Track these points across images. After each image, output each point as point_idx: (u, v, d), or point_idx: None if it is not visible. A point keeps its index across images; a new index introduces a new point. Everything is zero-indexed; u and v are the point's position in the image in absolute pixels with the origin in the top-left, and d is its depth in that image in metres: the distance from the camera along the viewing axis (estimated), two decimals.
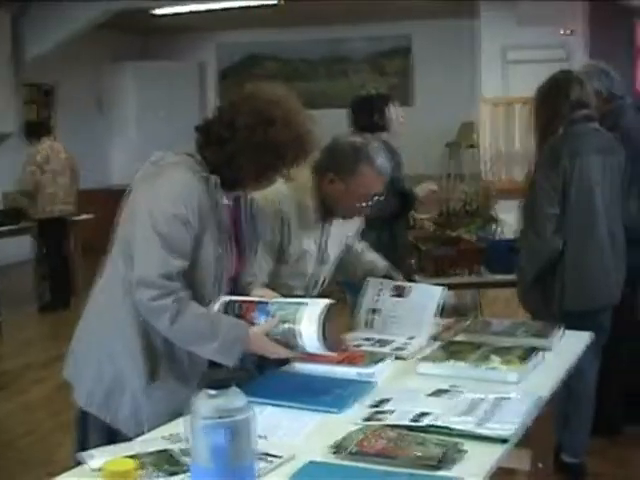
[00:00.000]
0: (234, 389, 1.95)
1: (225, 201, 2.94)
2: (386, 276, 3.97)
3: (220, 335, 2.75)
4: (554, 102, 4.59)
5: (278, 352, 2.84)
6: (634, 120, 5.30)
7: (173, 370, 2.87)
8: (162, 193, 2.80)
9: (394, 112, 5.77)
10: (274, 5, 11.80)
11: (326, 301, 2.79)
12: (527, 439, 3.06)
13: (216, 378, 1.95)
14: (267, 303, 2.86)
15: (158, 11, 12.00)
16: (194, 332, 2.78)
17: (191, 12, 12.24)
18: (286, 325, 2.78)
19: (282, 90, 2.99)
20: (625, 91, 5.33)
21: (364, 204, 3.62)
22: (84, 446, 2.76)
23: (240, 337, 2.77)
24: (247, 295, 3.05)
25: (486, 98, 12.25)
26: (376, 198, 3.64)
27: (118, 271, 2.88)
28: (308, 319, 2.74)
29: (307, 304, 2.80)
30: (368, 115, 5.69)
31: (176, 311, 2.72)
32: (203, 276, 2.86)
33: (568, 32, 12.17)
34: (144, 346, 2.83)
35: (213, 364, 2.84)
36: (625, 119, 5.12)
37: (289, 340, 2.80)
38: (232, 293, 3.01)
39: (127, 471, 1.71)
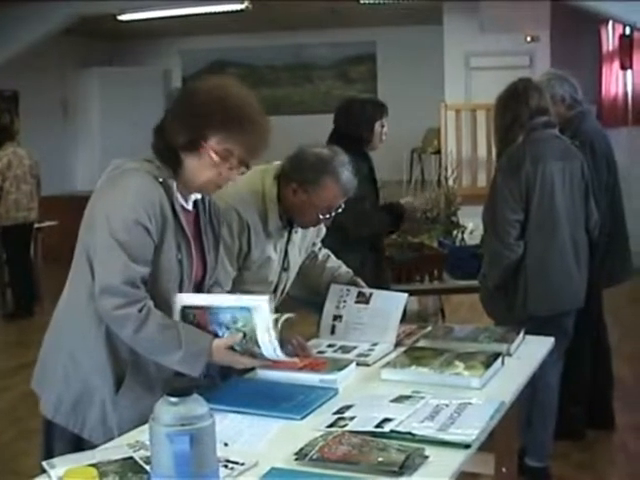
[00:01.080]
0: (195, 396, 1.95)
1: (186, 205, 2.93)
2: (350, 283, 3.98)
3: (184, 346, 2.72)
4: (514, 109, 4.64)
5: (243, 362, 2.84)
6: (595, 126, 5.36)
7: (139, 378, 2.84)
8: (121, 199, 2.77)
9: (380, 128, 5.32)
10: (239, 11, 11.77)
11: (265, 298, 2.75)
12: (490, 444, 3.08)
13: (178, 386, 1.94)
14: (217, 313, 2.79)
15: (124, 17, 11.94)
16: (158, 342, 2.75)
17: (157, 18, 12.21)
18: (246, 335, 2.77)
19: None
20: (584, 98, 5.37)
21: (324, 216, 3.62)
22: (51, 456, 2.70)
23: (204, 349, 2.74)
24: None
25: (449, 104, 12.28)
26: (336, 211, 3.65)
27: (80, 279, 2.85)
28: (262, 328, 2.73)
29: (253, 308, 2.74)
30: (354, 125, 5.22)
31: (140, 321, 2.69)
32: (165, 282, 2.83)
33: (532, 39, 12.23)
34: (110, 354, 2.80)
35: (178, 372, 2.82)
36: (586, 125, 5.17)
37: (251, 349, 2.80)
38: None
39: (88, 478, 1.70)
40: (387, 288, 4.45)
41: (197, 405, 1.94)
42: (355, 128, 5.11)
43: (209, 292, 3.09)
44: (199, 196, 3.01)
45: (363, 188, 5.02)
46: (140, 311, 2.70)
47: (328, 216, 3.64)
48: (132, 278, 2.71)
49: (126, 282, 2.70)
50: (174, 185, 2.83)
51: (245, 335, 2.76)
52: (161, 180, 2.80)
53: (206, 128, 2.78)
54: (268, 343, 2.75)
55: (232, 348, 2.78)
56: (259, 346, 2.77)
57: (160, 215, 2.77)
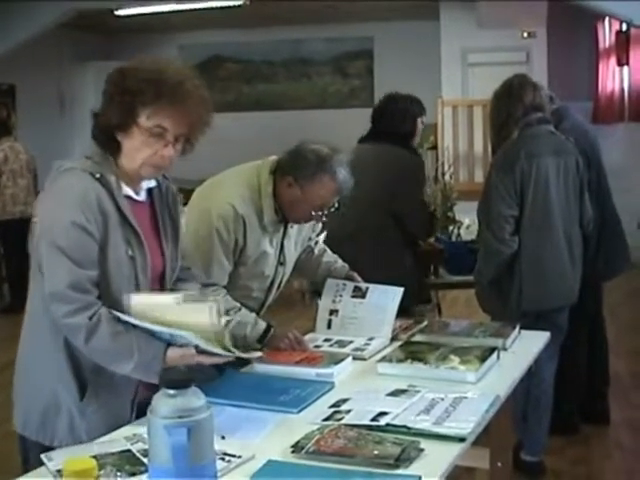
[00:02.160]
0: (193, 389, 1.96)
1: (135, 196, 2.81)
2: (346, 277, 4.00)
3: (136, 355, 2.61)
4: (508, 106, 4.66)
5: (201, 361, 2.67)
6: (575, 123, 5.34)
7: (103, 384, 2.73)
8: (56, 203, 2.68)
9: (421, 125, 5.30)
10: (237, 7, 11.77)
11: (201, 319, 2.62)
12: (486, 438, 3.11)
13: (175, 378, 1.95)
14: (153, 332, 2.64)
15: (121, 12, 11.93)
16: (110, 351, 2.63)
17: (154, 13, 12.19)
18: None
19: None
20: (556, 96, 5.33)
21: (316, 213, 3.64)
22: (26, 465, 2.71)
23: (157, 355, 2.62)
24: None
25: (446, 100, 12.29)
26: (330, 210, 3.66)
27: (36, 289, 2.75)
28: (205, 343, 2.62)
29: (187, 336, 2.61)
30: (401, 122, 5.17)
31: (90, 329, 2.58)
32: (117, 281, 2.70)
33: (528, 35, 12.24)
34: (70, 362, 2.70)
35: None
36: (564, 123, 5.15)
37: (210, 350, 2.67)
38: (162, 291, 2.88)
39: (87, 470, 1.71)
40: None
41: (195, 397, 1.95)
42: (402, 125, 5.14)
43: (176, 284, 2.98)
44: (152, 184, 2.89)
45: (422, 186, 5.08)
46: (90, 319, 2.59)
47: (320, 213, 3.65)
48: (79, 283, 2.60)
49: (73, 287, 2.59)
50: (112, 178, 2.70)
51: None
52: (98, 176, 2.68)
53: (136, 105, 2.65)
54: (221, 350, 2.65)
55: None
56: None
57: (100, 213, 2.64)
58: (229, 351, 2.65)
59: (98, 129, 2.77)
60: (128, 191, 2.78)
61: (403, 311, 4.34)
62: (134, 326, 2.61)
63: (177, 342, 2.61)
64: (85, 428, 2.69)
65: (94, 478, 1.71)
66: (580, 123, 5.46)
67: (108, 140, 2.73)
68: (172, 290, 2.93)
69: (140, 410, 2.72)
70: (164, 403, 1.93)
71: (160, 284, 2.89)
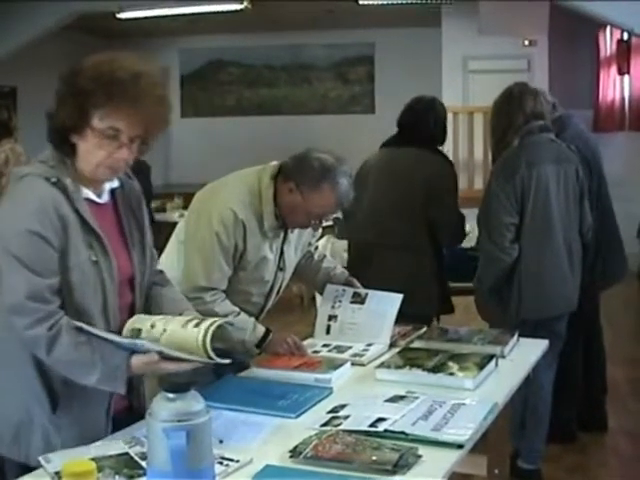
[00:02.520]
0: (192, 392, 1.96)
1: (97, 199, 2.71)
2: (345, 283, 4.00)
3: (99, 364, 2.51)
4: (509, 114, 4.66)
5: (168, 369, 2.57)
6: (577, 131, 5.35)
7: (75, 395, 2.62)
8: (10, 211, 2.58)
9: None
10: (238, 11, 11.77)
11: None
12: (483, 445, 3.11)
13: (175, 381, 1.96)
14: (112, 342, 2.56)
15: (123, 15, 11.93)
16: (73, 361, 2.53)
17: (155, 17, 12.20)
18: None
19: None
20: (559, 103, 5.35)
21: (314, 221, 3.64)
22: None
23: (121, 365, 2.53)
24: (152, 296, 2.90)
25: (446, 107, 12.26)
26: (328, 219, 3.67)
27: (0, 303, 2.61)
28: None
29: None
30: (439, 126, 5.12)
31: (51, 341, 2.49)
32: (81, 287, 2.59)
33: (529, 43, 12.25)
34: (40, 375, 2.60)
35: None
36: (567, 131, 5.16)
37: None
38: (134, 297, 2.80)
39: (86, 472, 1.71)
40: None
41: (194, 401, 1.96)
42: (435, 129, 5.09)
43: (147, 293, 2.88)
44: (115, 185, 2.79)
45: (457, 192, 5.05)
46: (50, 329, 2.49)
47: (316, 222, 3.66)
48: (37, 292, 2.50)
49: (32, 298, 2.49)
50: (69, 182, 2.59)
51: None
52: (54, 180, 2.58)
53: (88, 107, 2.55)
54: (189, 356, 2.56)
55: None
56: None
57: (57, 218, 2.54)
58: (209, 358, 2.52)
59: (52, 131, 2.66)
60: (89, 194, 2.68)
61: (425, 320, 4.36)
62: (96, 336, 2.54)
63: (139, 350, 2.54)
64: (60, 442, 2.60)
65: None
66: (582, 131, 5.47)
67: (63, 142, 2.64)
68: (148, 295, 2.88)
69: (115, 421, 2.70)
70: (163, 406, 1.93)
71: (130, 288, 2.79)
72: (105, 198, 2.75)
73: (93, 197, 2.69)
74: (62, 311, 2.54)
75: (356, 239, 5.01)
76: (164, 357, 2.54)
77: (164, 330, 2.55)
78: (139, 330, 2.58)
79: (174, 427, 1.91)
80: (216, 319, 2.61)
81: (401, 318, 3.92)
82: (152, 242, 2.94)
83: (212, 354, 2.49)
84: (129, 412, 2.79)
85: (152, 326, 2.58)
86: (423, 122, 5.04)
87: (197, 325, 2.53)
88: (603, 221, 5.24)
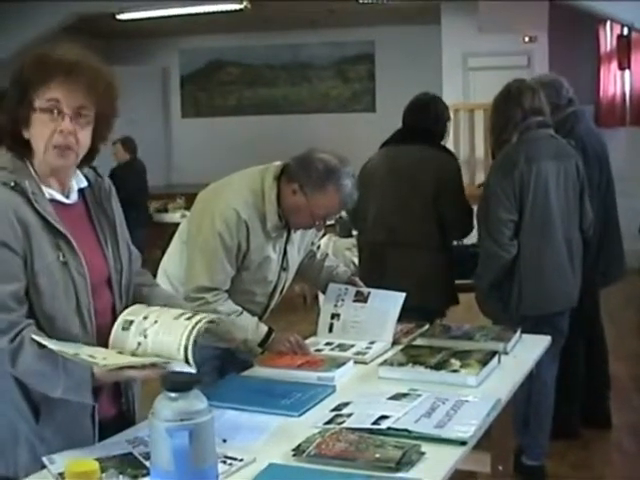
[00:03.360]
0: (195, 392, 1.96)
1: (65, 199, 2.64)
2: (348, 282, 4.01)
3: (63, 375, 2.43)
4: (507, 110, 4.67)
5: (134, 376, 2.51)
6: (588, 126, 5.37)
7: (55, 403, 2.54)
8: None
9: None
10: (238, 11, 11.78)
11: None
12: (487, 442, 3.11)
13: (178, 381, 1.96)
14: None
15: (123, 16, 11.95)
16: (36, 374, 2.46)
17: (155, 17, 12.21)
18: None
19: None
20: (576, 98, 5.39)
21: (318, 222, 3.64)
22: None
23: (84, 376, 2.44)
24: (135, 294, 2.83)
25: (447, 104, 12.29)
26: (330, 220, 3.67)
27: None
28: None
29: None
30: (442, 123, 5.17)
31: (13, 353, 2.42)
32: (51, 290, 2.52)
33: (529, 39, 12.25)
34: (18, 386, 2.53)
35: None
36: (579, 126, 5.19)
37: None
38: (114, 297, 2.73)
39: (90, 471, 1.71)
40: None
41: (196, 400, 1.96)
42: (439, 125, 5.12)
43: (128, 293, 2.80)
44: (84, 184, 2.72)
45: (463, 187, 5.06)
46: (12, 341, 2.41)
47: (319, 223, 3.67)
48: (0, 301, 2.44)
49: None
50: (27, 184, 2.52)
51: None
52: (12, 184, 2.51)
53: (29, 92, 2.52)
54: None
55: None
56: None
57: (18, 222, 2.47)
58: (186, 354, 2.43)
59: (6, 133, 2.58)
60: (54, 195, 2.61)
61: (436, 313, 4.39)
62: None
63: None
64: (46, 454, 2.51)
65: (98, 479, 1.71)
66: (594, 127, 5.50)
67: (17, 142, 2.57)
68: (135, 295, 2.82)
69: (105, 428, 2.65)
70: (166, 406, 1.93)
71: (109, 289, 2.72)
72: (73, 198, 2.69)
73: (60, 198, 2.63)
74: (26, 320, 2.47)
75: (368, 240, 5.00)
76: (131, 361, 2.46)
77: (155, 322, 2.51)
78: (130, 322, 2.53)
79: (177, 427, 1.91)
80: (209, 315, 2.58)
81: (416, 313, 3.94)
82: (129, 240, 2.86)
83: (190, 352, 2.41)
84: (119, 418, 2.76)
85: (145, 317, 2.54)
86: (427, 119, 5.05)
87: (189, 318, 2.50)
88: (607, 219, 5.25)
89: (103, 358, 2.41)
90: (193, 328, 2.44)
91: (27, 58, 2.57)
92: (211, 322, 2.55)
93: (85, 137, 2.59)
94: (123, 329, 2.53)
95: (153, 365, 2.44)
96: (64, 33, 12.38)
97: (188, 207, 10.87)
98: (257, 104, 15.90)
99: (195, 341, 2.44)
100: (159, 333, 2.46)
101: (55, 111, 2.52)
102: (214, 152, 15.21)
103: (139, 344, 2.49)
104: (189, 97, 16.25)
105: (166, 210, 11.36)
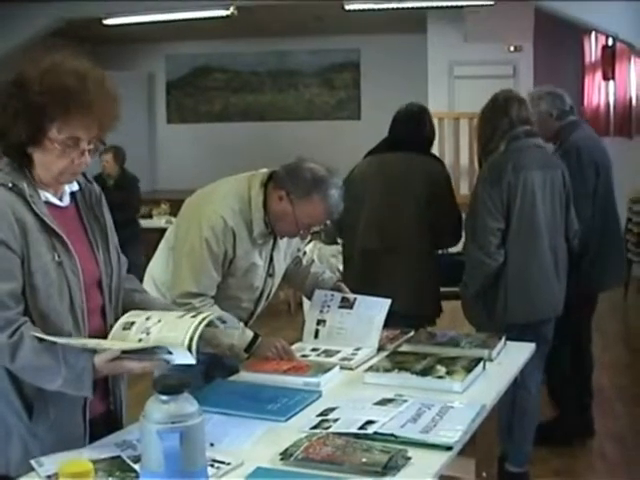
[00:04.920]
0: (186, 395, 1.98)
1: (58, 202, 2.69)
2: (333, 288, 4.02)
3: (63, 368, 2.47)
4: (494, 119, 4.71)
5: (130, 367, 2.52)
6: (586, 134, 5.40)
7: (48, 400, 2.57)
8: None
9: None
10: (225, 17, 11.79)
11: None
12: (471, 449, 3.13)
13: (169, 384, 1.97)
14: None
15: (109, 21, 11.93)
16: (36, 368, 2.49)
17: (142, 23, 12.20)
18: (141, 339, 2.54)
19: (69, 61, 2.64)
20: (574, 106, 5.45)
21: (302, 231, 3.66)
22: None
23: (86, 368, 2.48)
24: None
25: (432, 113, 12.28)
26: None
27: None
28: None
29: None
30: (431, 130, 5.22)
31: (12, 348, 2.45)
32: (46, 289, 2.55)
33: (515, 49, 12.31)
34: (13, 384, 2.56)
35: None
36: (576, 134, 5.22)
37: (145, 350, 2.51)
38: (104, 299, 2.75)
39: (84, 472, 1.72)
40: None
41: (187, 403, 1.97)
42: (429, 135, 5.16)
43: (118, 296, 2.82)
44: (75, 187, 2.76)
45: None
46: (11, 337, 2.45)
47: (304, 232, 3.69)
48: None
49: None
50: (25, 186, 2.57)
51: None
52: (10, 185, 2.55)
53: (44, 121, 2.53)
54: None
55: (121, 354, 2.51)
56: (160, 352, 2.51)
57: (16, 222, 2.51)
58: (190, 346, 2.44)
59: (7, 147, 2.62)
60: (49, 197, 2.66)
61: (429, 320, 4.41)
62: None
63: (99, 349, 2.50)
64: (39, 451, 2.54)
65: None
66: (593, 134, 5.54)
67: (19, 155, 2.61)
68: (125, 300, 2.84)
69: (94, 426, 2.67)
70: (157, 409, 1.94)
71: (100, 291, 2.75)
72: (66, 201, 2.74)
73: (54, 200, 2.68)
74: (23, 317, 2.51)
75: (359, 247, 4.99)
76: (128, 354, 2.50)
77: (159, 321, 2.54)
78: (132, 323, 2.57)
79: (168, 429, 1.92)
80: (214, 313, 2.61)
81: (411, 321, 3.97)
82: (118, 246, 2.88)
83: (195, 343, 2.43)
84: (107, 416, 2.78)
85: (147, 318, 2.57)
86: (417, 129, 5.07)
87: (194, 316, 2.53)
88: (607, 224, 5.28)
89: (111, 344, 2.48)
90: (200, 323, 2.47)
91: (35, 82, 2.55)
92: (219, 319, 2.58)
93: (91, 157, 2.65)
94: (124, 329, 2.56)
95: (153, 353, 2.47)
96: (51, 37, 12.38)
97: (173, 213, 10.89)
98: (243, 110, 15.91)
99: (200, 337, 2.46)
100: (162, 330, 2.49)
101: (75, 146, 2.57)
102: (199, 158, 15.22)
103: (140, 340, 2.52)
104: (175, 103, 16.25)
105: (150, 216, 11.34)
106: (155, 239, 3.93)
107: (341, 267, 5.75)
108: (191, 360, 2.43)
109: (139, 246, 8.95)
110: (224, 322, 2.96)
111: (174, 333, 2.46)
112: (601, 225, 5.19)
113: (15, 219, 2.52)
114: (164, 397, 1.95)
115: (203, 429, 2.00)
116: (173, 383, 1.97)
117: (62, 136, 2.55)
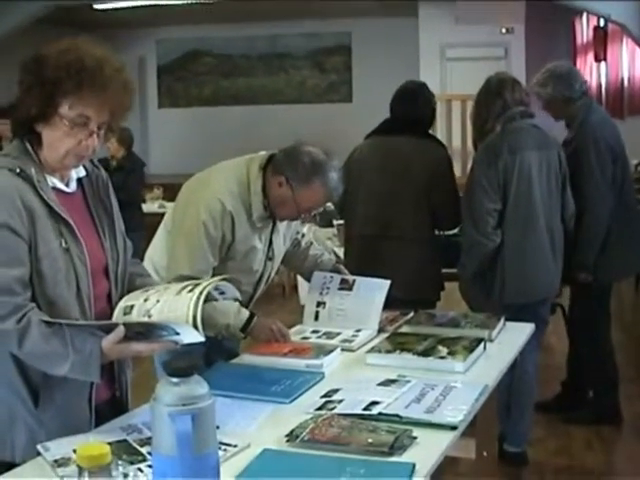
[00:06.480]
0: (196, 377, 1.98)
1: (65, 188, 2.68)
2: (333, 270, 4.03)
3: (71, 353, 2.46)
4: (488, 102, 4.72)
5: (138, 349, 2.53)
6: (602, 117, 5.36)
7: (54, 386, 2.57)
8: None
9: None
10: (216, 1, 11.79)
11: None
12: (472, 429, 3.14)
13: (179, 366, 1.97)
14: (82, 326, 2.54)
15: (99, 6, 11.91)
16: (44, 354, 2.47)
17: (132, 7, 12.18)
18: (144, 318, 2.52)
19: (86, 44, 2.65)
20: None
21: (302, 214, 3.67)
22: None
23: (94, 352, 2.47)
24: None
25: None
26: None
27: None
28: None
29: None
30: (431, 109, 5.15)
31: (20, 333, 2.43)
32: (53, 275, 2.55)
33: (507, 31, 12.31)
34: (19, 370, 2.55)
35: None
36: (592, 117, 5.19)
37: (152, 332, 2.53)
38: (110, 285, 2.75)
39: (101, 455, 1.72)
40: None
41: (198, 385, 1.97)
42: (429, 114, 5.10)
43: (124, 282, 2.82)
44: (82, 173, 2.76)
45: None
46: (19, 322, 2.44)
47: (305, 216, 3.71)
48: (5, 284, 2.45)
49: None
50: (33, 171, 2.56)
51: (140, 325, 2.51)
52: (18, 171, 2.54)
53: (56, 95, 2.52)
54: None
55: (128, 337, 2.49)
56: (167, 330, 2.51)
57: (24, 208, 2.50)
58: (195, 322, 2.42)
59: (16, 122, 2.63)
60: (56, 183, 2.66)
61: (429, 305, 4.40)
62: (68, 325, 2.49)
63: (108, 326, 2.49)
64: (45, 437, 2.53)
65: (109, 462, 1.72)
66: (607, 117, 5.49)
67: (28, 132, 2.61)
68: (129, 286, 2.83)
69: (99, 412, 2.67)
70: (168, 391, 1.94)
71: (106, 277, 2.75)
72: (73, 187, 2.73)
73: (61, 186, 2.68)
74: (31, 303, 2.50)
75: (357, 232, 4.96)
76: (135, 337, 2.50)
77: (157, 301, 2.52)
78: (131, 307, 2.56)
79: (179, 411, 1.92)
80: (210, 281, 2.59)
81: (411, 306, 3.99)
82: (124, 231, 2.89)
83: (199, 320, 2.41)
84: (113, 403, 2.78)
85: (145, 300, 2.56)
86: (416, 108, 5.01)
87: (191, 290, 2.50)
88: (625, 209, 5.25)
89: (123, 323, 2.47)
90: (198, 298, 2.44)
91: (54, 58, 2.57)
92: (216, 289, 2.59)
93: (99, 143, 2.63)
94: (125, 314, 2.55)
95: (160, 335, 2.49)
96: (40, 23, 12.34)
97: (166, 197, 10.88)
98: (234, 94, 15.90)
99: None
100: (163, 311, 2.47)
101: (84, 126, 2.56)
102: (191, 142, 15.21)
103: None
104: (166, 87, 16.24)
105: (144, 201, 11.33)
106: (148, 224, 3.90)
107: (337, 249, 5.76)
108: (199, 337, 2.43)
109: (141, 231, 8.91)
110: (222, 293, 2.93)
111: (174, 314, 2.45)
112: (619, 211, 5.17)
113: (23, 205, 2.50)
114: (175, 380, 1.95)
115: (214, 411, 2.00)
116: (183, 365, 1.98)
117: (73, 113, 2.54)
